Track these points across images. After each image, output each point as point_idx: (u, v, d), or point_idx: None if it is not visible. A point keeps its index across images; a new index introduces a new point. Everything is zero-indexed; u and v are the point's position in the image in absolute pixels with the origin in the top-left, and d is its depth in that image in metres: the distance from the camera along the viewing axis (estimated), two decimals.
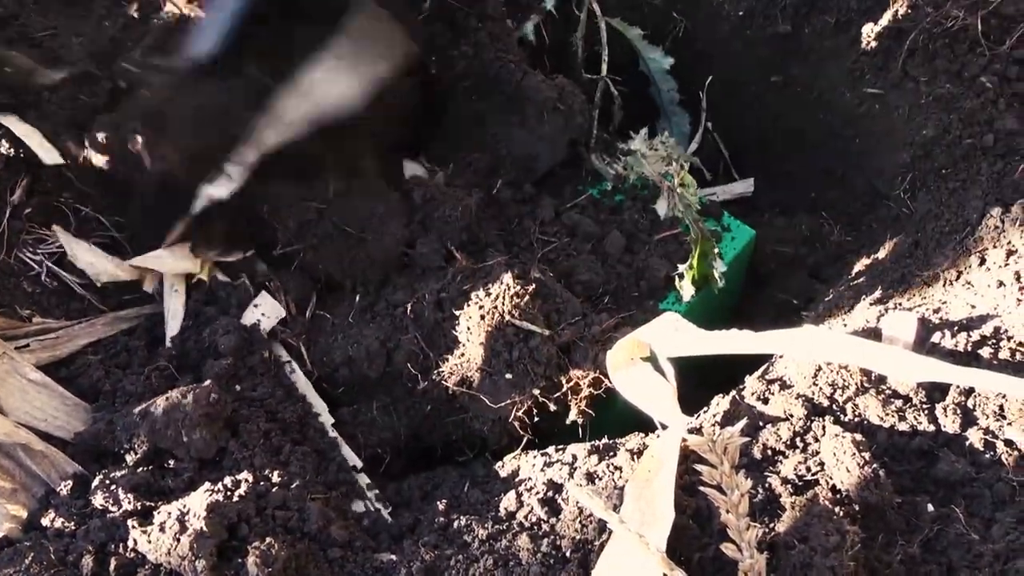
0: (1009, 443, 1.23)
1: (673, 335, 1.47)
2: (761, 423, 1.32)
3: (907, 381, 1.31)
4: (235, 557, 1.27)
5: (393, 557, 1.33)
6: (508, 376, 1.58)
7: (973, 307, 1.45)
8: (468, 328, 1.63)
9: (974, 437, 1.25)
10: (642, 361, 1.49)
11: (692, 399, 1.47)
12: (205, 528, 1.25)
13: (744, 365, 1.54)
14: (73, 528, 1.32)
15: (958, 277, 1.54)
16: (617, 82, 2.13)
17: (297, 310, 1.79)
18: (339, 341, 1.73)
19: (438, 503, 1.45)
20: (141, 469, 1.41)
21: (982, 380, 1.24)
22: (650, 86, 2.29)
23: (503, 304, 1.60)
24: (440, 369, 1.66)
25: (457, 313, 1.66)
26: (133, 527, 1.29)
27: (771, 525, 1.17)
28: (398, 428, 1.75)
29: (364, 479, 1.62)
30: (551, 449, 1.47)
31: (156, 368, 1.61)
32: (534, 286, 1.63)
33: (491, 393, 1.59)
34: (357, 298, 1.79)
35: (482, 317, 1.61)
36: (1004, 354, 1.31)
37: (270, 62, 1.63)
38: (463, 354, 1.64)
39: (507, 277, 1.64)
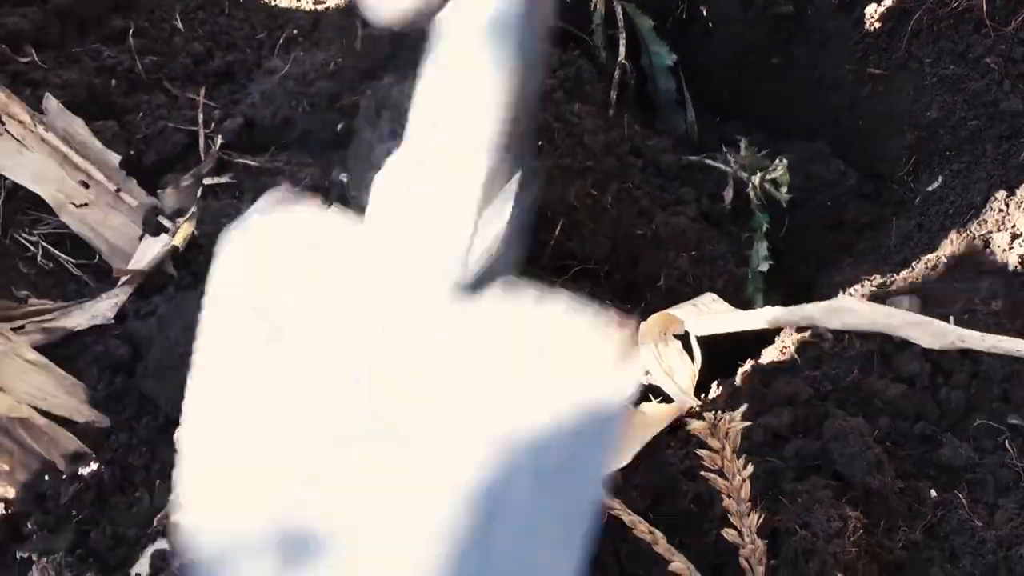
0: (1013, 428, 1.23)
1: (707, 312, 1.46)
2: (763, 407, 1.32)
3: (940, 348, 1.31)
4: None
5: None
6: None
7: (977, 291, 1.44)
8: None
9: (978, 422, 1.24)
10: (674, 338, 1.48)
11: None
12: None
13: (747, 347, 1.53)
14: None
15: (962, 261, 1.53)
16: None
17: None
18: None
19: None
20: None
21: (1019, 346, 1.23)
22: (647, 83, 2.24)
23: None
24: None
25: None
26: None
27: (772, 511, 1.16)
28: None
29: None
30: None
31: None
32: None
33: None
34: None
35: None
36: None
37: None
38: None
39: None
